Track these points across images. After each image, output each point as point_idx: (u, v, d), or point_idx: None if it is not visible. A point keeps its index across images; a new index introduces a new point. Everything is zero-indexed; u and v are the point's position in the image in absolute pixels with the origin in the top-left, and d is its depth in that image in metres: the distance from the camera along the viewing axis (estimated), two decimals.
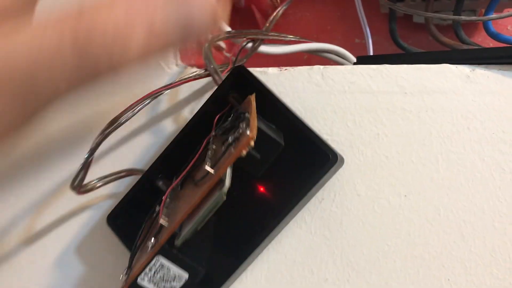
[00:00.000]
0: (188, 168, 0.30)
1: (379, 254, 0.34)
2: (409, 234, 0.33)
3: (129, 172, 0.35)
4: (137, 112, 0.31)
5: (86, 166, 0.31)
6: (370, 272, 0.34)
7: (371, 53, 0.44)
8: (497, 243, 0.32)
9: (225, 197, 0.27)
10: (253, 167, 0.29)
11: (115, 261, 0.37)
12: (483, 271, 0.32)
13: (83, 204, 0.38)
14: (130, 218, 0.33)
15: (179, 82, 0.33)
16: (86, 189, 0.33)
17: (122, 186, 0.37)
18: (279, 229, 0.33)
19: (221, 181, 0.26)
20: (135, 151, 0.37)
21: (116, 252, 0.36)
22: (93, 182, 0.34)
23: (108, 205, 0.38)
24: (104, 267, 0.37)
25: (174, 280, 0.28)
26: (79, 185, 0.32)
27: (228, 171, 0.27)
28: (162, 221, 0.28)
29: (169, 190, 0.30)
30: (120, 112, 0.31)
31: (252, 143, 0.26)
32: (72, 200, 0.38)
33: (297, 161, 0.31)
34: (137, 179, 0.35)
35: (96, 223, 0.38)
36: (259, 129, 0.28)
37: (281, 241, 0.35)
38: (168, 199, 0.29)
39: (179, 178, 0.30)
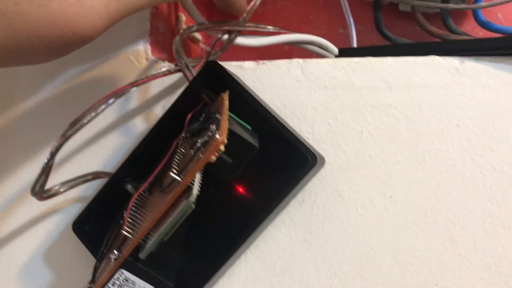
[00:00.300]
0: (156, 172, 0.28)
1: (363, 259, 0.32)
2: (394, 238, 0.31)
3: (95, 175, 0.33)
4: (100, 112, 0.29)
5: (46, 170, 0.29)
6: (354, 278, 0.32)
7: (355, 44, 0.42)
8: (488, 246, 0.30)
9: (193, 206, 0.25)
10: (224, 172, 0.27)
11: (84, 268, 0.34)
12: (474, 276, 0.31)
13: (51, 209, 0.36)
14: (97, 225, 0.31)
15: (146, 79, 0.30)
16: (49, 195, 0.31)
17: (91, 189, 0.35)
18: (257, 234, 0.31)
19: (189, 188, 0.24)
20: (104, 152, 0.35)
21: (85, 259, 0.34)
22: (57, 187, 0.31)
23: (76, 210, 0.35)
24: (72, 275, 0.35)
25: None
26: (40, 191, 0.30)
27: (197, 177, 0.25)
28: (126, 232, 0.25)
29: (134, 196, 0.27)
30: (82, 112, 0.29)
31: (222, 147, 0.24)
32: (39, 204, 0.35)
33: (274, 163, 0.29)
34: (105, 183, 0.32)
35: (64, 229, 0.35)
36: (231, 131, 0.26)
37: (260, 246, 0.33)
38: (134, 207, 0.27)
39: (145, 184, 0.28)
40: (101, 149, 0.35)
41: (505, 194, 0.31)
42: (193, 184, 0.25)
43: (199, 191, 0.25)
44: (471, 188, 0.31)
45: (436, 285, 0.31)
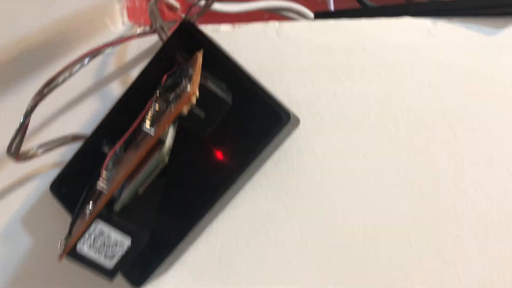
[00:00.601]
0: (131, 130, 0.28)
1: (337, 217, 0.32)
2: (368, 196, 0.32)
3: (73, 138, 0.33)
4: (76, 72, 0.29)
5: (22, 130, 0.29)
6: (328, 236, 0.32)
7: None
8: (459, 202, 0.31)
9: (166, 159, 0.25)
10: (198, 127, 0.28)
11: (63, 231, 0.35)
12: (444, 230, 0.31)
13: (29, 174, 0.36)
14: (75, 186, 0.31)
15: (121, 40, 0.31)
16: (27, 156, 0.31)
17: (70, 154, 0.35)
18: (233, 192, 0.32)
19: (161, 141, 0.25)
20: (81, 117, 0.35)
21: (63, 222, 0.34)
22: (34, 149, 0.32)
23: (55, 174, 0.35)
24: (52, 237, 0.35)
25: (116, 246, 0.26)
26: (17, 151, 0.30)
27: (170, 131, 0.25)
28: (100, 185, 0.26)
29: (110, 153, 0.28)
30: (57, 71, 0.29)
31: (194, 99, 0.24)
32: (17, 169, 0.36)
33: (248, 122, 0.30)
34: (82, 144, 0.33)
35: (43, 193, 0.36)
36: (204, 87, 0.26)
37: (237, 206, 0.33)
38: (110, 164, 0.28)
39: (121, 141, 0.28)
40: (78, 115, 0.35)
41: (475, 151, 0.31)
42: (165, 138, 0.25)
43: (172, 146, 0.25)
44: (442, 146, 0.32)
45: (409, 241, 0.32)
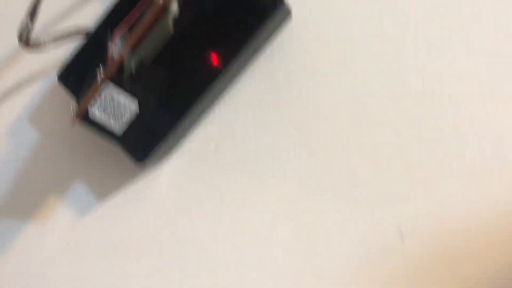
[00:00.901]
0: (138, 14, 0.30)
1: (325, 101, 0.35)
2: (353, 83, 0.35)
3: (80, 30, 0.35)
4: None
5: (32, 14, 0.31)
6: (320, 124, 0.35)
7: None
8: (435, 88, 0.34)
9: (171, 28, 0.27)
10: None
11: (69, 127, 0.37)
12: (423, 111, 0.34)
13: (36, 72, 0.38)
14: (82, 74, 0.33)
15: None
16: (37, 45, 0.33)
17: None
18: (230, 78, 0.34)
19: (167, 9, 0.27)
20: (87, 13, 0.37)
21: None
22: (43, 38, 0.33)
23: None
24: (58, 132, 0.37)
25: (124, 110, 0.28)
26: (27, 37, 0.32)
27: (175, 4, 0.28)
28: (111, 52, 0.28)
29: (119, 30, 0.30)
30: None
31: None
32: (24, 67, 0.38)
33: (245, 7, 0.32)
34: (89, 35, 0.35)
35: (49, 90, 0.38)
36: None
37: (232, 99, 0.36)
38: (118, 39, 0.30)
39: (127, 19, 0.30)
40: (85, 15, 0.37)
41: (450, 40, 0.34)
42: (171, 7, 0.27)
43: (177, 18, 0.27)
44: (426, 45, 0.34)
45: (391, 124, 0.35)
